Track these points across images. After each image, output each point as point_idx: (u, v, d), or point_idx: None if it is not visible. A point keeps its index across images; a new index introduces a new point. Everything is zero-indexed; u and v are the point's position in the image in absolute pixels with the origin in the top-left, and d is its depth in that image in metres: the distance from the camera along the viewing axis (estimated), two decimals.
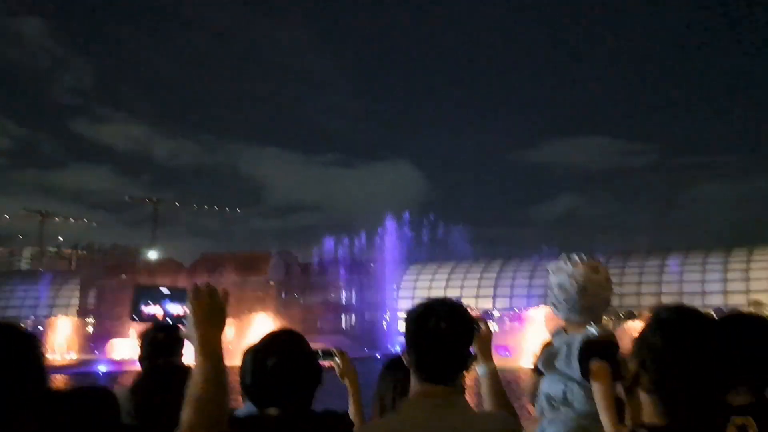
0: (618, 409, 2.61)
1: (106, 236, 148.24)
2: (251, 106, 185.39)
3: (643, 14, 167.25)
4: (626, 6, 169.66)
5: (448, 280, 62.54)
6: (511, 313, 52.81)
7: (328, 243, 57.77)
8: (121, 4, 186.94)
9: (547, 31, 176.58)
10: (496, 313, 54.62)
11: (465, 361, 2.18)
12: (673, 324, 1.85)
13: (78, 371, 26.78)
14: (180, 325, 2.58)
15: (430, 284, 62.13)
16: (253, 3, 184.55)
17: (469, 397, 2.25)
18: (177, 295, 39.50)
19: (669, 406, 1.76)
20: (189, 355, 2.37)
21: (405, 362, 2.22)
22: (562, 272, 2.96)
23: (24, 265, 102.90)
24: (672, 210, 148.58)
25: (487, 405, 2.57)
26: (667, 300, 53.56)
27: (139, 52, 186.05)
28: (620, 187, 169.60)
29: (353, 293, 57.07)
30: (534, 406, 3.05)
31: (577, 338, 2.83)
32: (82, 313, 57.77)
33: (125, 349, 35.21)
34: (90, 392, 2.48)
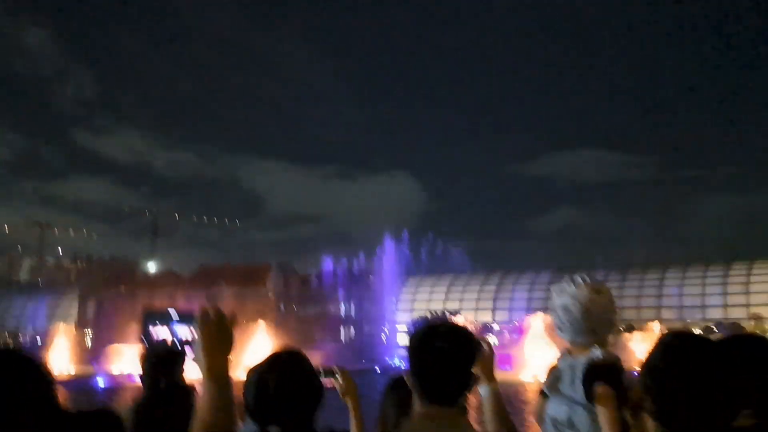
0: None
1: (106, 247, 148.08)
2: (251, 117, 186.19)
3: (642, 27, 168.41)
4: (625, 18, 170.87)
5: (447, 293, 62.44)
6: (511, 325, 52.69)
7: (327, 255, 57.84)
8: (124, 15, 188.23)
9: (546, 45, 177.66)
10: (495, 326, 54.49)
11: (468, 382, 2.18)
12: (678, 349, 1.85)
13: (76, 384, 26.64)
14: (187, 348, 2.59)
15: (429, 297, 62.01)
16: (254, 15, 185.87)
17: (472, 418, 2.25)
18: (185, 318, 39.86)
19: (674, 430, 1.76)
20: (190, 369, 2.37)
21: (407, 383, 2.22)
22: (566, 294, 2.96)
23: (23, 276, 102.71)
24: (671, 223, 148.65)
25: (490, 426, 2.57)
26: (667, 313, 53.45)
27: (141, 64, 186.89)
28: (619, 200, 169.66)
29: (352, 306, 56.99)
30: (541, 428, 3.04)
31: (581, 361, 2.83)
32: (81, 325, 57.59)
33: (126, 360, 35.15)
34: (97, 416, 2.47)
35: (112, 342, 46.44)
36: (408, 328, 56.65)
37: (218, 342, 1.91)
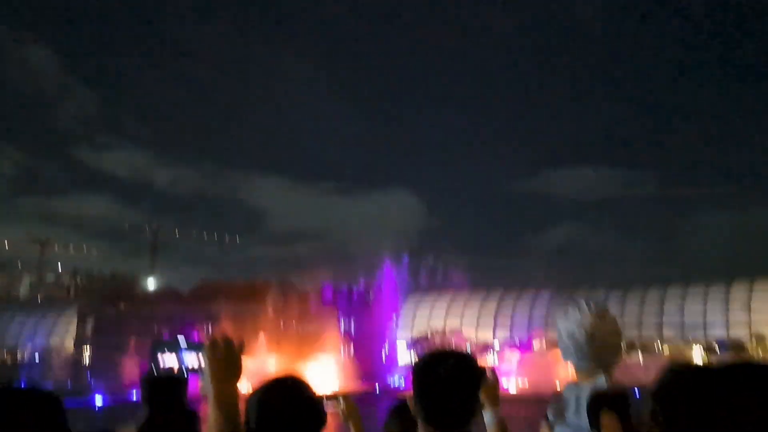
0: None
1: (106, 264, 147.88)
2: (251, 134, 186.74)
3: (643, 44, 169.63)
4: (624, 36, 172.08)
5: (447, 310, 62.27)
6: (512, 343, 52.50)
7: (327, 272, 57.82)
8: (125, 34, 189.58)
9: (546, 62, 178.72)
10: (496, 344, 54.26)
11: (472, 409, 2.17)
12: (685, 379, 1.84)
13: (73, 403, 26.45)
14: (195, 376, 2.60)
15: (430, 314, 61.84)
16: (253, 33, 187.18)
17: None
18: (194, 346, 40.53)
19: None
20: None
21: (411, 410, 2.21)
22: (571, 320, 2.96)
23: (22, 293, 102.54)
24: (672, 240, 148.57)
25: None
26: (668, 332, 53.29)
27: (141, 81, 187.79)
28: (620, 217, 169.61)
29: (352, 323, 56.85)
30: None
31: (586, 389, 2.81)
32: (80, 342, 57.36)
33: (125, 379, 35.12)
34: None
35: (110, 360, 46.32)
36: (407, 346, 56.50)
37: (226, 370, 1.91)
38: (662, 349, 49.18)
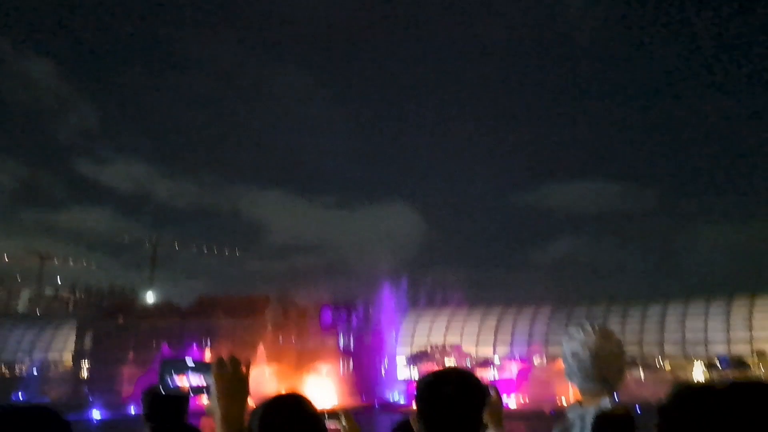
0: None
1: (105, 277, 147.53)
2: (251, 148, 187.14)
3: (641, 57, 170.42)
4: (623, 49, 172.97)
5: (447, 325, 62.08)
6: (513, 358, 52.27)
7: (327, 286, 57.67)
8: (126, 47, 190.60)
9: (546, 76, 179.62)
10: (497, 359, 54.04)
11: (476, 429, 2.16)
12: (691, 398, 1.84)
13: (72, 418, 26.30)
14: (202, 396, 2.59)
15: (430, 330, 61.65)
16: (254, 46, 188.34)
17: None
18: (201, 367, 40.48)
19: None
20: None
21: (414, 427, 2.19)
22: (575, 341, 2.95)
23: (21, 307, 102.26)
24: (672, 254, 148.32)
25: None
26: (669, 348, 53.09)
27: (142, 95, 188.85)
28: (619, 231, 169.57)
29: (351, 338, 56.56)
30: None
31: (590, 411, 2.79)
32: (78, 356, 57.13)
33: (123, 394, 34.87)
34: None
35: (109, 374, 46.09)
36: (407, 361, 56.23)
37: (234, 390, 1.90)
38: (664, 365, 48.99)
